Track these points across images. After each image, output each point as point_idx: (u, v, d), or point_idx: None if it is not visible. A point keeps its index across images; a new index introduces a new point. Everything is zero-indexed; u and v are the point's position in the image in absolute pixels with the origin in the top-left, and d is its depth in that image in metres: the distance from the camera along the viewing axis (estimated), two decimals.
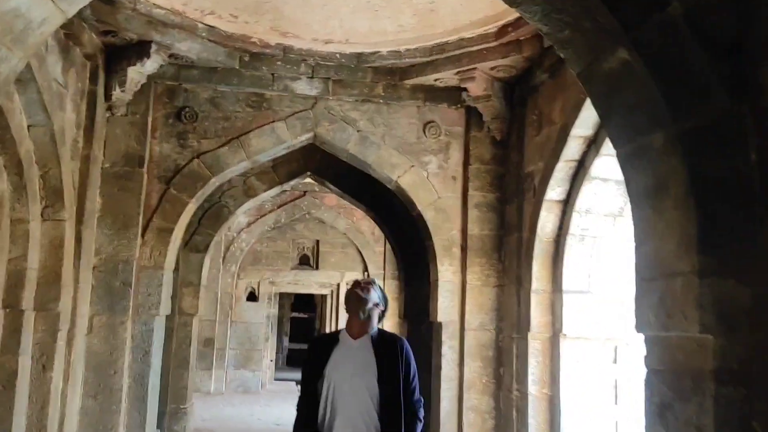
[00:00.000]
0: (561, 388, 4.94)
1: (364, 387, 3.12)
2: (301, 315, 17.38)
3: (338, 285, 12.74)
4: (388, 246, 12.51)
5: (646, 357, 2.23)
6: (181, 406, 7.45)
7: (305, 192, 12.45)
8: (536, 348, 5.14)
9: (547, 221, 5.12)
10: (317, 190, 12.45)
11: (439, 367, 5.72)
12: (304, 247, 12.94)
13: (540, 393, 5.10)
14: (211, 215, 7.81)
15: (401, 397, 3.10)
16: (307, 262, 12.91)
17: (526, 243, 5.35)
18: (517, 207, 5.58)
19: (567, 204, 5.03)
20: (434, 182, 5.94)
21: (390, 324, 12.19)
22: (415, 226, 6.77)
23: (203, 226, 7.78)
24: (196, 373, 11.77)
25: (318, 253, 12.84)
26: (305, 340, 17.52)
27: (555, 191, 5.02)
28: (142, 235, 5.52)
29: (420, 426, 3.19)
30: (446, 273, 5.83)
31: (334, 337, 3.35)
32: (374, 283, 3.35)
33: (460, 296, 5.79)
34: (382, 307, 3.28)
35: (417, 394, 3.19)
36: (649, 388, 2.19)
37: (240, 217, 12.30)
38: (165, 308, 5.61)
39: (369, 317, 3.23)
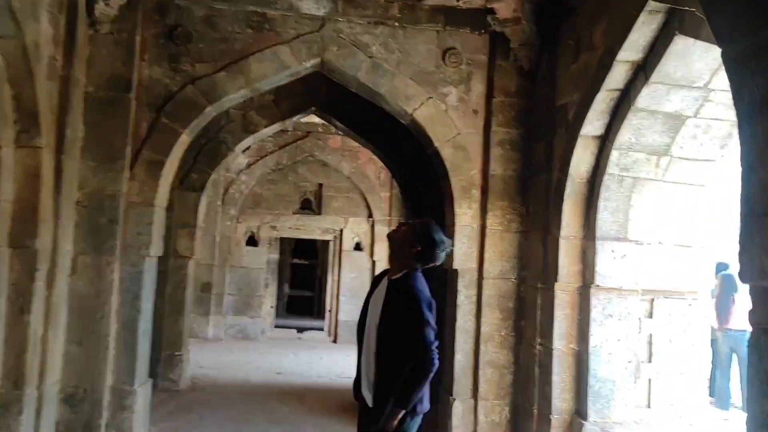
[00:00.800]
0: (590, 343, 4.53)
1: (375, 329, 3.10)
2: (303, 261, 17.01)
3: (341, 231, 12.28)
4: (394, 191, 12.04)
5: (753, 312, 1.76)
6: (177, 353, 7.08)
7: (308, 133, 11.89)
8: (564, 299, 4.70)
9: (581, 160, 4.61)
10: (321, 130, 11.89)
11: (454, 319, 5.30)
12: (306, 191, 12.42)
13: (566, 348, 4.68)
14: (208, 152, 7.28)
15: (392, 343, 3.00)
16: (310, 206, 12.42)
17: (555, 184, 4.85)
18: (545, 145, 5.06)
19: (605, 140, 4.51)
20: (453, 116, 5.40)
21: None
22: (430, 167, 6.26)
23: (199, 163, 7.26)
24: (193, 318, 11.44)
25: (321, 198, 12.34)
26: (306, 287, 17.22)
27: (593, 125, 4.49)
28: (131, 168, 5.01)
29: (422, 377, 2.96)
30: (464, 217, 5.35)
31: (384, 275, 3.31)
32: (411, 223, 3.27)
33: (479, 242, 5.32)
34: (417, 247, 3.10)
35: (423, 342, 2.95)
36: (756, 351, 1.72)
37: (239, 157, 11.78)
38: (156, 249, 5.15)
39: (396, 258, 3.18)
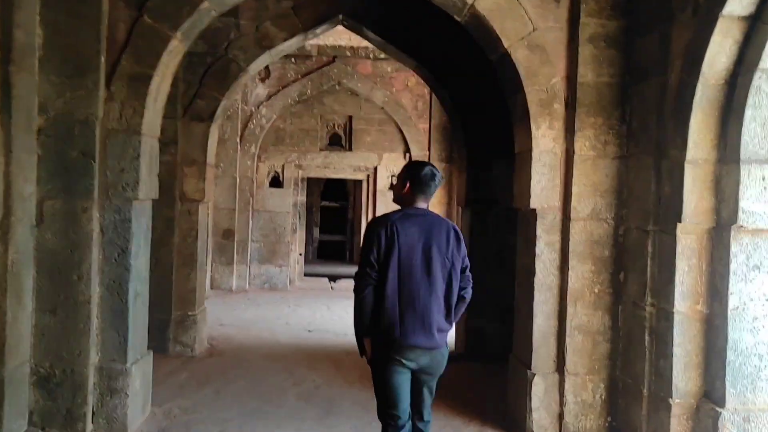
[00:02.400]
0: (728, 304, 3.37)
1: None
2: (333, 204, 15.95)
3: (375, 169, 11.12)
4: (434, 122, 10.83)
5: None
6: (190, 314, 6.11)
7: (335, 57, 10.66)
8: (689, 245, 3.52)
9: (719, 52, 3.34)
10: (349, 54, 10.65)
11: (531, 272, 4.17)
12: (334, 125, 11.23)
13: (691, 310, 3.53)
14: (216, 72, 6.11)
15: None
16: (339, 142, 11.25)
17: (675, 90, 3.60)
18: (659, 38, 3.78)
19: (757, 21, 3.22)
20: (527, 6, 4.12)
21: (442, 211, 10.72)
22: (491, 82, 5.06)
23: (206, 87, 6.10)
24: (215, 268, 10.56)
25: (351, 132, 11.14)
26: (337, 231, 16.24)
27: (740, 1, 3.20)
28: (107, 86, 3.90)
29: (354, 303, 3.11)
30: (544, 140, 4.14)
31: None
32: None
33: (563, 173, 4.13)
34: (407, 183, 3.15)
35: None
36: None
37: (258, 87, 10.65)
38: (148, 190, 4.08)
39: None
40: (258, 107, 10.67)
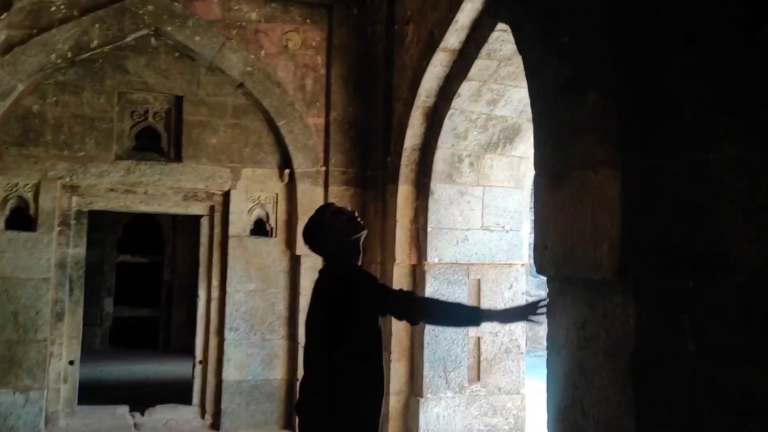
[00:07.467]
0: None
1: None
2: (139, 259, 10.60)
3: (227, 195, 6.28)
4: (334, 115, 6.38)
5: None
6: None
7: None
8: None
9: None
10: None
11: None
12: (147, 112, 6.24)
13: None
14: None
15: None
16: (157, 145, 6.31)
17: None
18: None
19: None
20: None
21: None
22: None
23: None
24: None
25: (180, 126, 6.25)
26: (145, 303, 10.89)
27: None
28: None
29: None
30: None
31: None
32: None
33: None
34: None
35: None
36: None
37: None
38: None
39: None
40: None
